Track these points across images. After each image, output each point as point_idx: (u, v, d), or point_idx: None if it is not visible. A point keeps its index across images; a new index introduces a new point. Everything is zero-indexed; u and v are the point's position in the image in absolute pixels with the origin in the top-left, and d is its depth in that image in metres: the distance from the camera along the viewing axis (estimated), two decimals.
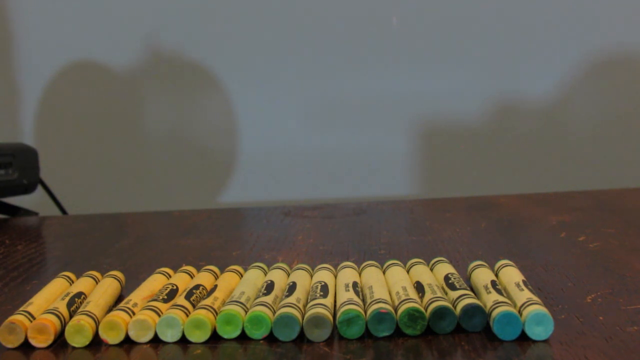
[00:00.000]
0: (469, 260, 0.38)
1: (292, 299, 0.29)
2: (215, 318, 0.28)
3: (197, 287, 0.32)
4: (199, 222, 0.57)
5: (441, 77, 0.89)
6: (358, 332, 0.27)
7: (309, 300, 0.29)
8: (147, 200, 0.93)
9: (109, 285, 0.33)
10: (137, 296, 0.31)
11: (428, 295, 0.29)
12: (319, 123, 0.91)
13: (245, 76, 0.91)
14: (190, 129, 0.93)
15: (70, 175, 0.93)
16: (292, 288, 0.30)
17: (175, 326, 0.28)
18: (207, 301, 0.29)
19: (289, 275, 0.34)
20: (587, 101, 0.89)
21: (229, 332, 0.28)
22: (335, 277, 0.33)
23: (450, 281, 0.31)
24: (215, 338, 0.28)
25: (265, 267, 0.35)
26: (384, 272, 0.34)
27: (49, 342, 0.28)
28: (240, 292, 0.30)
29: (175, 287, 0.32)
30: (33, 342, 0.28)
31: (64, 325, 0.29)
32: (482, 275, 0.32)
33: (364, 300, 0.30)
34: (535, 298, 0.28)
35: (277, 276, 0.33)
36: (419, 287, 0.30)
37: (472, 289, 0.32)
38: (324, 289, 0.30)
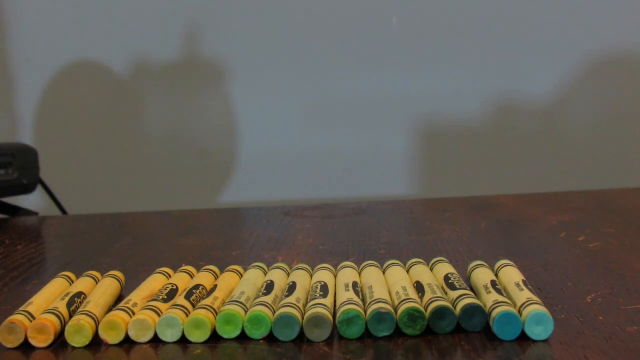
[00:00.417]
0: (469, 260, 0.38)
1: (292, 299, 0.29)
2: (215, 318, 0.28)
3: (197, 287, 0.32)
4: (199, 222, 0.57)
5: (441, 77, 0.89)
6: (358, 332, 0.27)
7: (309, 300, 0.29)
8: (147, 200, 0.93)
9: (109, 285, 0.33)
10: (137, 296, 0.31)
11: (428, 295, 0.29)
12: (319, 123, 0.91)
13: (245, 76, 0.91)
14: (190, 129, 0.93)
15: (70, 175, 0.93)
16: (292, 288, 0.30)
17: (175, 326, 0.28)
18: (207, 301, 0.29)
19: (289, 275, 0.34)
20: (587, 101, 0.89)
21: (229, 332, 0.28)
22: (335, 277, 0.33)
23: (450, 281, 0.31)
24: (215, 338, 0.28)
25: (265, 267, 0.35)
26: (384, 272, 0.34)
27: (49, 342, 0.28)
28: (240, 292, 0.30)
29: (175, 287, 0.32)
30: (33, 342, 0.28)
31: (64, 325, 0.29)
32: (482, 275, 0.32)
33: (364, 300, 0.30)
34: (535, 298, 0.28)
35: (277, 276, 0.33)
36: (419, 287, 0.30)
37: (472, 289, 0.32)
38: (324, 289, 0.30)
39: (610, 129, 0.89)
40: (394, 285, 0.31)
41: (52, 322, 0.28)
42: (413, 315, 0.27)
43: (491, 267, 0.34)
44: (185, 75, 0.92)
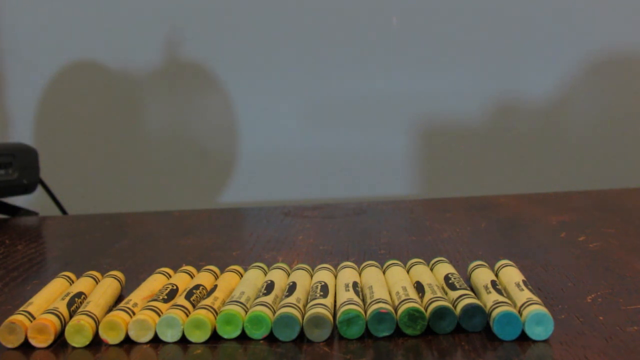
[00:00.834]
0: (469, 260, 0.38)
1: (292, 299, 0.29)
2: (215, 318, 0.28)
3: (197, 287, 0.32)
4: (199, 222, 0.57)
5: (441, 77, 0.89)
6: (358, 332, 0.27)
7: (309, 300, 0.29)
8: (147, 200, 0.93)
9: (109, 285, 0.33)
10: (137, 296, 0.31)
11: (428, 295, 0.29)
12: (319, 123, 0.91)
13: (245, 76, 0.91)
14: (190, 129, 0.93)
15: (70, 175, 0.93)
16: (292, 288, 0.30)
17: (175, 326, 0.28)
18: (207, 301, 0.29)
19: (289, 275, 0.34)
20: (587, 101, 0.89)
21: (229, 332, 0.28)
22: (335, 277, 0.33)
23: (450, 281, 0.31)
24: (215, 338, 0.28)
25: (265, 267, 0.35)
26: (384, 272, 0.34)
27: (49, 342, 0.28)
28: (240, 292, 0.30)
29: (175, 287, 0.32)
30: (33, 342, 0.28)
31: (64, 325, 0.29)
32: (482, 275, 0.32)
33: (364, 300, 0.30)
34: (535, 298, 0.28)
35: (277, 276, 0.33)
36: (419, 287, 0.30)
37: (472, 289, 0.32)
38: (324, 289, 0.30)
39: (610, 129, 0.89)
40: (394, 285, 0.31)
41: (52, 322, 0.28)
42: (413, 315, 0.27)
43: (491, 267, 0.34)
44: (185, 75, 0.92)
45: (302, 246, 0.46)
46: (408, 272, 0.34)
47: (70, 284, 0.35)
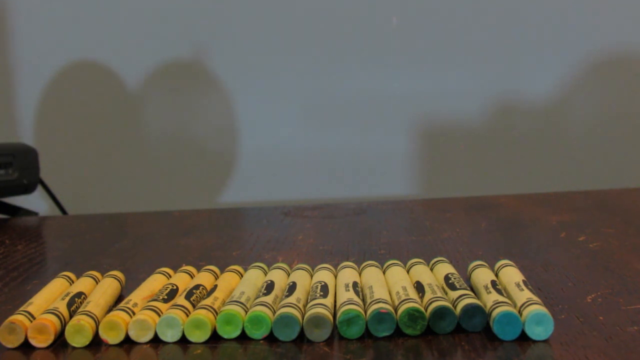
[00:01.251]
0: (469, 260, 0.38)
1: (292, 299, 0.29)
2: (215, 318, 0.28)
3: (197, 287, 0.32)
4: (199, 222, 0.57)
5: (441, 77, 0.89)
6: (358, 332, 0.27)
7: (309, 300, 0.29)
8: (147, 200, 0.93)
9: (109, 285, 0.33)
10: (137, 296, 0.31)
11: (428, 295, 0.29)
12: (319, 123, 0.91)
13: (245, 76, 0.91)
14: (190, 129, 0.93)
15: (70, 175, 0.93)
16: (292, 288, 0.30)
17: (175, 326, 0.28)
18: (207, 301, 0.29)
19: (289, 275, 0.34)
20: (587, 101, 0.89)
21: (229, 332, 0.28)
22: (335, 277, 0.33)
23: (450, 281, 0.31)
24: (215, 338, 0.28)
25: (265, 267, 0.35)
26: (384, 272, 0.34)
27: (49, 342, 0.28)
28: (240, 292, 0.30)
29: (175, 287, 0.32)
30: (33, 342, 0.28)
31: (64, 325, 0.29)
32: (482, 275, 0.32)
33: (364, 300, 0.30)
34: (535, 298, 0.28)
35: (277, 276, 0.33)
36: (419, 287, 0.30)
37: (472, 289, 0.32)
38: (324, 289, 0.30)
39: (610, 129, 0.89)
40: (394, 285, 0.31)
41: (52, 322, 0.28)
42: (413, 315, 0.27)
43: (491, 267, 0.34)
44: (185, 75, 0.92)
45: (302, 246, 0.46)
46: (408, 272, 0.34)
47: (70, 284, 0.35)
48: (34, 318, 0.29)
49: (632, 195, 0.61)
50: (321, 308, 0.28)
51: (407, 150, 0.90)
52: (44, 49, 0.92)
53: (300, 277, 0.32)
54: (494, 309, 0.27)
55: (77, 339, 0.28)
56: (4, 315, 0.32)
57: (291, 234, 0.50)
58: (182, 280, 0.34)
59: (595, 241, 0.43)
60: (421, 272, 0.32)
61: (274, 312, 0.28)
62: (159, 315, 0.29)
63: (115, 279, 0.34)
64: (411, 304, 0.27)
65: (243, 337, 0.28)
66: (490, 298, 0.28)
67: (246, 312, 0.28)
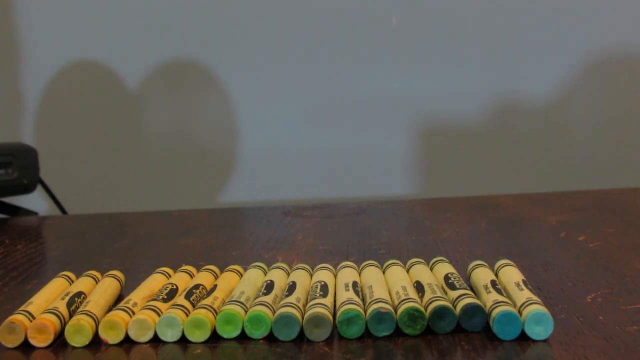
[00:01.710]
0: (469, 260, 0.38)
1: (292, 299, 0.29)
2: (215, 318, 0.28)
3: (197, 287, 0.32)
4: (199, 222, 0.57)
5: (441, 77, 0.89)
6: (358, 332, 0.27)
7: (309, 300, 0.29)
8: (147, 200, 0.93)
9: (109, 285, 0.33)
10: (137, 296, 0.31)
11: (428, 295, 0.29)
12: (319, 123, 0.91)
13: (245, 76, 0.91)
14: (190, 129, 0.93)
15: (70, 175, 0.93)
16: (292, 288, 0.30)
17: (175, 326, 0.28)
18: (207, 301, 0.29)
19: (289, 275, 0.34)
20: (587, 101, 0.89)
21: (229, 332, 0.28)
22: (335, 277, 0.33)
23: (450, 281, 0.31)
24: (215, 338, 0.28)
25: (265, 267, 0.35)
26: (384, 272, 0.34)
27: (49, 342, 0.28)
28: (240, 292, 0.30)
29: (175, 287, 0.32)
30: (33, 342, 0.28)
31: (64, 325, 0.29)
32: (482, 275, 0.32)
33: (364, 300, 0.30)
34: (535, 298, 0.28)
35: (277, 276, 0.33)
36: (419, 287, 0.30)
37: (472, 289, 0.32)
38: (324, 289, 0.30)
39: (610, 129, 0.89)
40: (394, 285, 0.31)
41: (52, 322, 0.28)
42: (413, 315, 0.27)
43: (491, 267, 0.34)
44: (185, 75, 0.92)
45: (302, 246, 0.46)
46: (408, 272, 0.34)
47: (70, 284, 0.35)
48: (34, 318, 0.29)
49: (632, 195, 0.61)
50: (321, 308, 0.28)
51: (407, 150, 0.90)
52: (44, 49, 0.92)
53: (300, 277, 0.32)
54: (494, 309, 0.27)
55: (77, 339, 0.28)
56: (4, 315, 0.32)
57: (291, 234, 0.50)
58: (182, 280, 0.34)
59: (595, 241, 0.43)
60: (421, 272, 0.32)
61: (274, 312, 0.28)
62: (159, 315, 0.29)
63: (115, 279, 0.34)
64: (411, 304, 0.27)
65: (243, 337, 0.28)
66: (490, 298, 0.28)
67: (246, 312, 0.28)
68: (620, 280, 0.34)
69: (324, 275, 0.33)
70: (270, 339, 0.28)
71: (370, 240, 0.46)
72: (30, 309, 0.30)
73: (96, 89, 0.93)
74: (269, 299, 0.29)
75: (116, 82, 0.92)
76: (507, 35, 0.88)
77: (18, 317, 0.29)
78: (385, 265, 0.34)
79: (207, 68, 0.91)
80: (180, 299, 0.30)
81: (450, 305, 0.28)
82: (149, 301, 0.30)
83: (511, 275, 0.31)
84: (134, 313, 0.29)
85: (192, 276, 0.35)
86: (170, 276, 0.35)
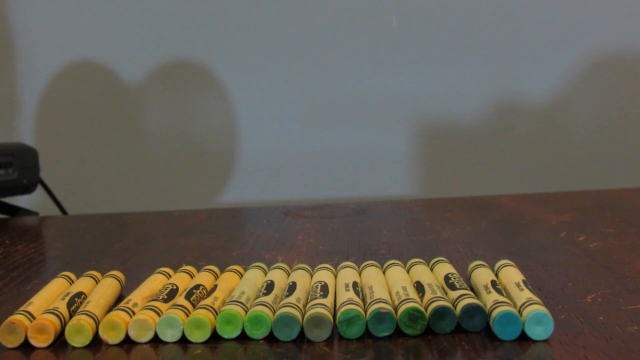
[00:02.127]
0: (469, 260, 0.38)
1: (292, 299, 0.29)
2: (215, 318, 0.28)
3: (197, 287, 0.32)
4: (199, 222, 0.57)
5: (441, 77, 0.89)
6: (358, 332, 0.27)
7: (309, 300, 0.29)
8: (147, 200, 0.93)
9: (109, 285, 0.33)
10: (137, 296, 0.31)
11: (428, 295, 0.29)
12: (319, 123, 0.91)
13: (245, 76, 0.91)
14: (190, 129, 0.93)
15: (70, 175, 0.93)
16: (292, 288, 0.30)
17: (175, 326, 0.28)
18: (207, 301, 0.29)
19: (289, 275, 0.34)
20: (587, 101, 0.89)
21: (229, 332, 0.28)
22: (335, 277, 0.33)
23: (450, 281, 0.31)
24: (215, 338, 0.28)
25: (265, 267, 0.35)
26: (384, 272, 0.34)
27: (49, 342, 0.28)
28: (240, 292, 0.30)
29: (175, 287, 0.32)
30: (33, 342, 0.28)
31: (64, 325, 0.29)
32: (482, 275, 0.32)
33: (364, 300, 0.30)
34: (535, 298, 0.28)
35: (277, 276, 0.33)
36: (419, 287, 0.30)
37: (472, 289, 0.32)
38: (324, 289, 0.30)
39: (610, 129, 0.89)
40: (394, 285, 0.31)
41: (52, 322, 0.28)
42: (413, 315, 0.27)
43: (491, 267, 0.34)
44: (185, 75, 0.92)
45: (302, 246, 0.46)
46: (408, 272, 0.34)
47: (70, 284, 0.35)
48: (34, 318, 0.29)
49: (632, 195, 0.61)
50: (321, 308, 0.28)
51: (407, 150, 0.90)
52: (44, 49, 0.92)
53: (300, 277, 0.32)
54: (494, 309, 0.27)
55: (77, 339, 0.28)
56: (4, 315, 0.32)
57: (291, 234, 0.50)
58: (182, 280, 0.34)
59: (595, 241, 0.43)
60: (421, 272, 0.32)
61: (274, 312, 0.28)
62: (159, 315, 0.29)
63: (115, 279, 0.34)
64: (411, 304, 0.27)
65: (243, 337, 0.28)
66: (490, 298, 0.28)
67: (246, 312, 0.28)
68: (620, 280, 0.34)
69: (324, 275, 0.33)
70: (270, 339, 0.28)
71: (370, 240, 0.46)
72: (30, 309, 0.30)
73: (96, 89, 0.93)
74: (269, 299, 0.29)
75: (116, 82, 0.92)
76: (507, 35, 0.88)
77: (18, 317, 0.29)
78: (385, 265, 0.34)
79: (207, 68, 0.91)
80: (180, 299, 0.30)
81: (450, 305, 0.28)
82: (149, 301, 0.30)
83: (511, 275, 0.31)
84: (134, 313, 0.29)
85: (192, 276, 0.35)
86: (170, 276, 0.35)
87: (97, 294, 0.31)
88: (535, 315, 0.26)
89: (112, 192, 0.94)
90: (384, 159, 0.91)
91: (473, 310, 0.27)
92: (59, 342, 0.29)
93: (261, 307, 0.28)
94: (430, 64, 0.89)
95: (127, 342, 0.28)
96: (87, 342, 0.28)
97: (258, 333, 0.28)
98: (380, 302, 0.28)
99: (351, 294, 0.29)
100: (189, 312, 0.29)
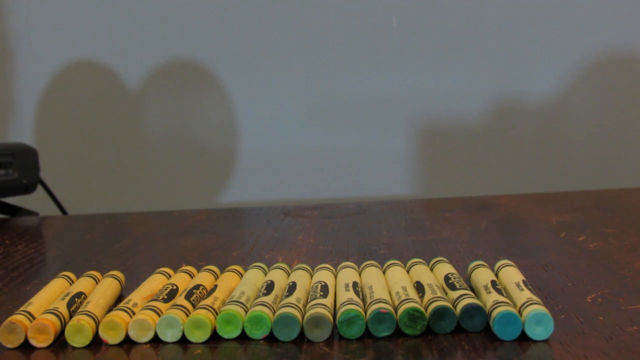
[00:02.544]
0: (469, 260, 0.38)
1: (292, 299, 0.29)
2: (215, 318, 0.28)
3: (197, 287, 0.32)
4: (199, 222, 0.57)
5: (441, 77, 0.89)
6: (358, 332, 0.27)
7: (309, 300, 0.29)
8: (147, 200, 0.93)
9: (109, 285, 0.33)
10: (137, 296, 0.31)
11: (428, 295, 0.29)
12: (319, 123, 0.91)
13: (245, 76, 0.91)
14: (190, 129, 0.93)
15: (70, 175, 0.93)
16: (292, 288, 0.30)
17: (175, 326, 0.28)
18: (207, 301, 0.29)
19: (289, 275, 0.34)
20: (587, 101, 0.89)
21: (229, 332, 0.28)
22: (335, 277, 0.33)
23: (450, 281, 0.31)
24: (215, 338, 0.28)
25: (265, 267, 0.35)
26: (384, 272, 0.34)
27: (49, 342, 0.28)
28: (240, 292, 0.30)
29: (175, 287, 0.32)
30: (33, 342, 0.28)
31: (64, 325, 0.29)
32: (482, 275, 0.32)
33: (364, 300, 0.30)
34: (535, 298, 0.28)
35: (277, 276, 0.33)
36: (419, 287, 0.30)
37: (472, 289, 0.32)
38: (324, 289, 0.30)
39: (610, 129, 0.89)
40: (394, 285, 0.31)
41: (52, 322, 0.28)
42: (413, 315, 0.27)
43: (491, 267, 0.34)
44: (185, 75, 0.92)
45: (302, 246, 0.46)
46: (408, 272, 0.34)
47: (70, 284, 0.35)
48: (34, 318, 0.29)
49: (632, 195, 0.61)
50: (321, 308, 0.28)
51: (407, 150, 0.90)
52: (44, 49, 0.92)
53: (300, 277, 0.32)
54: (494, 309, 0.27)
55: (77, 339, 0.28)
56: (4, 315, 0.32)
57: (291, 234, 0.50)
58: (182, 280, 0.34)
59: (595, 241, 0.43)
60: (421, 272, 0.32)
61: (274, 312, 0.28)
62: (159, 315, 0.29)
63: (115, 279, 0.34)
64: (411, 304, 0.27)
65: (243, 337, 0.28)
66: (490, 298, 0.28)
67: (246, 312, 0.28)
68: (620, 280, 0.34)
69: (324, 275, 0.33)
70: (270, 339, 0.28)
71: (370, 240, 0.46)
72: (30, 309, 0.30)
73: (96, 89, 0.93)
74: (269, 299, 0.29)
75: (116, 82, 0.92)
76: (507, 35, 0.88)
77: (18, 317, 0.29)
78: (385, 265, 0.34)
79: (207, 68, 0.91)
80: (180, 299, 0.30)
81: (450, 306, 0.28)
82: (149, 301, 0.30)
83: (511, 275, 0.31)
84: (134, 313, 0.29)
85: (192, 276, 0.35)
86: (170, 276, 0.35)
87: (97, 294, 0.31)
88: (535, 316, 0.26)
89: (112, 192, 0.94)
90: (384, 159, 0.91)
91: (473, 310, 0.27)
92: (59, 342, 0.29)
93: (261, 307, 0.28)
94: (430, 64, 0.89)
95: (127, 342, 0.28)
96: (87, 342, 0.28)
97: (258, 333, 0.28)
98: (380, 302, 0.28)
99: (351, 294, 0.29)
100: (189, 312, 0.29)
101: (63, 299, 0.31)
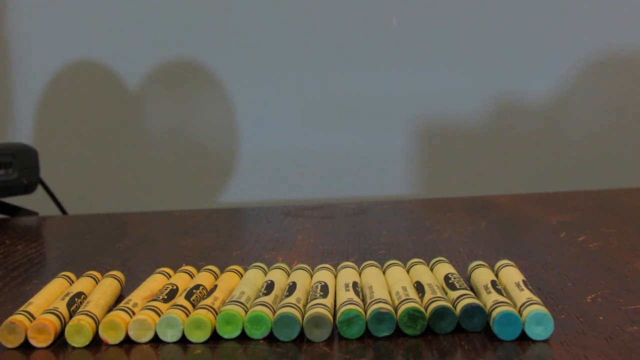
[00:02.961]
0: (469, 260, 0.38)
1: (292, 299, 0.29)
2: (215, 318, 0.28)
3: (197, 287, 0.32)
4: (199, 222, 0.57)
5: (441, 77, 0.89)
6: (358, 332, 0.27)
7: (309, 300, 0.29)
8: (147, 200, 0.93)
9: (109, 285, 0.33)
10: (137, 296, 0.31)
11: (428, 295, 0.29)
12: (319, 123, 0.91)
13: (245, 76, 0.91)
14: (190, 129, 0.93)
15: (70, 175, 0.93)
16: (292, 288, 0.30)
17: (175, 326, 0.28)
18: (207, 301, 0.29)
19: (289, 275, 0.34)
20: (587, 101, 0.89)
21: (229, 332, 0.28)
22: (335, 277, 0.33)
23: (450, 281, 0.31)
24: (215, 338, 0.28)
25: (265, 267, 0.35)
26: (384, 272, 0.34)
27: (49, 342, 0.28)
28: (240, 292, 0.30)
29: (175, 287, 0.32)
30: (33, 342, 0.28)
31: (64, 325, 0.29)
32: (482, 275, 0.32)
33: (364, 300, 0.30)
34: (535, 298, 0.28)
35: (277, 276, 0.33)
36: (419, 287, 0.30)
37: (472, 289, 0.32)
38: (324, 289, 0.30)
39: (610, 129, 0.89)
40: (394, 285, 0.31)
41: (52, 322, 0.28)
42: (413, 315, 0.27)
43: (491, 267, 0.34)
44: (185, 75, 0.92)
45: (302, 246, 0.46)
46: (408, 272, 0.34)
47: (70, 284, 0.35)
48: (34, 318, 0.29)
49: (632, 195, 0.61)
50: (321, 308, 0.28)
51: (407, 150, 0.90)
52: (43, 49, 0.92)
53: (300, 277, 0.32)
54: (494, 309, 0.27)
55: (77, 339, 0.28)
56: (4, 315, 0.32)
57: (291, 234, 0.50)
58: (182, 280, 0.34)
59: (595, 241, 0.43)
60: (421, 272, 0.32)
61: (274, 312, 0.28)
62: (159, 315, 0.29)
63: (115, 279, 0.34)
64: (411, 304, 0.27)
65: (243, 337, 0.28)
66: (490, 298, 0.28)
67: (246, 312, 0.28)
68: (620, 280, 0.34)
69: (324, 275, 0.33)
70: (270, 339, 0.28)
71: (370, 240, 0.46)
72: (30, 309, 0.30)
73: (96, 89, 0.93)
74: (269, 299, 0.29)
75: (116, 82, 0.92)
76: (507, 35, 0.88)
77: (18, 317, 0.29)
78: (385, 265, 0.34)
79: (207, 68, 0.91)
80: (180, 299, 0.30)
81: (450, 306, 0.28)
82: (149, 301, 0.30)
83: (511, 275, 0.31)
84: (134, 313, 0.29)
85: (192, 276, 0.35)
86: (170, 276, 0.35)
87: (97, 294, 0.31)
88: (535, 316, 0.26)
89: (112, 192, 0.94)
90: (384, 159, 0.91)
91: (473, 310, 0.27)
92: (59, 342, 0.29)
93: (261, 307, 0.28)
94: (430, 64, 0.89)
95: (127, 342, 0.28)
96: (87, 342, 0.28)
97: (258, 333, 0.28)
98: (380, 302, 0.28)
99: (351, 294, 0.29)
100: (189, 312, 0.29)
101: (63, 299, 0.31)
